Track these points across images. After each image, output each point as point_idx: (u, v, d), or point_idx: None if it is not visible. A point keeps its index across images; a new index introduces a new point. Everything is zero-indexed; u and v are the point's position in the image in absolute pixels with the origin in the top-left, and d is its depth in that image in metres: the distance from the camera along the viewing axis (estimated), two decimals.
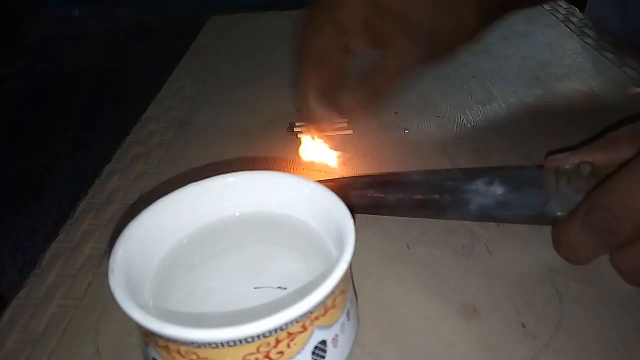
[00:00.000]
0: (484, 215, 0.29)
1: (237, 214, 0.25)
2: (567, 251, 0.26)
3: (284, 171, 0.25)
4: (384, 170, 0.36)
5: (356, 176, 0.34)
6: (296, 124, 0.42)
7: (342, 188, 0.32)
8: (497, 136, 0.39)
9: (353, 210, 0.31)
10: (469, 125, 0.41)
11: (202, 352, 0.17)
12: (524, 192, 0.28)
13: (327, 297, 0.18)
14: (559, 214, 0.27)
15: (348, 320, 0.20)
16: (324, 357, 0.19)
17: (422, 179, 0.31)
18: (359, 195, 0.31)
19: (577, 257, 0.26)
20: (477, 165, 0.36)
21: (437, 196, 0.30)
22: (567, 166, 0.28)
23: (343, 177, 0.34)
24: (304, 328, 0.18)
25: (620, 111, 0.37)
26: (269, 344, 0.17)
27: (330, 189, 0.23)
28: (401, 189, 0.31)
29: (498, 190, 0.28)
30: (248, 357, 0.17)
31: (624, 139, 0.27)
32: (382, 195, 0.31)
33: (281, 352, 0.18)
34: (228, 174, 0.25)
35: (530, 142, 0.38)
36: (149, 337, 0.18)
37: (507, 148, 0.38)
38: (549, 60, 0.51)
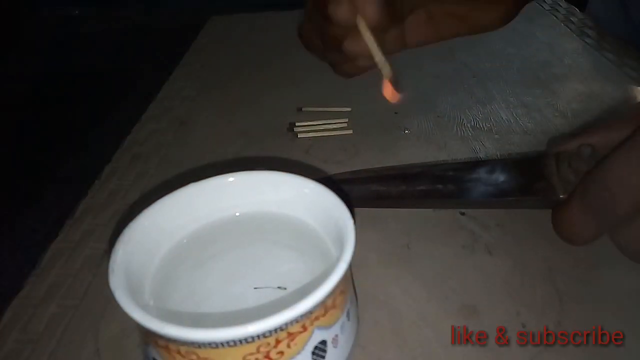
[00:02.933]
0: (488, 203, 0.29)
1: (237, 214, 0.25)
2: (567, 232, 0.26)
3: (283, 171, 0.24)
4: None
5: (358, 170, 0.34)
6: (296, 124, 0.42)
7: (345, 183, 0.32)
8: (497, 136, 0.39)
9: (356, 204, 0.31)
10: (469, 125, 0.41)
11: (202, 352, 0.17)
12: (525, 178, 0.28)
13: (327, 297, 0.18)
14: (561, 197, 0.27)
15: (348, 320, 0.20)
16: (324, 357, 0.19)
17: (425, 170, 0.31)
18: (363, 189, 0.31)
19: (577, 237, 0.26)
20: None
21: (440, 186, 0.30)
22: (568, 149, 0.28)
23: (346, 172, 0.34)
24: (304, 328, 0.18)
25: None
26: (269, 344, 0.17)
27: (333, 184, 0.23)
28: (404, 181, 0.31)
29: (500, 177, 0.28)
30: (248, 357, 0.17)
31: (622, 120, 0.27)
32: (385, 189, 0.31)
33: (281, 352, 0.18)
34: (228, 174, 0.25)
35: (530, 142, 0.38)
36: (149, 337, 0.18)
37: (506, 148, 0.38)
38: (549, 60, 0.51)
